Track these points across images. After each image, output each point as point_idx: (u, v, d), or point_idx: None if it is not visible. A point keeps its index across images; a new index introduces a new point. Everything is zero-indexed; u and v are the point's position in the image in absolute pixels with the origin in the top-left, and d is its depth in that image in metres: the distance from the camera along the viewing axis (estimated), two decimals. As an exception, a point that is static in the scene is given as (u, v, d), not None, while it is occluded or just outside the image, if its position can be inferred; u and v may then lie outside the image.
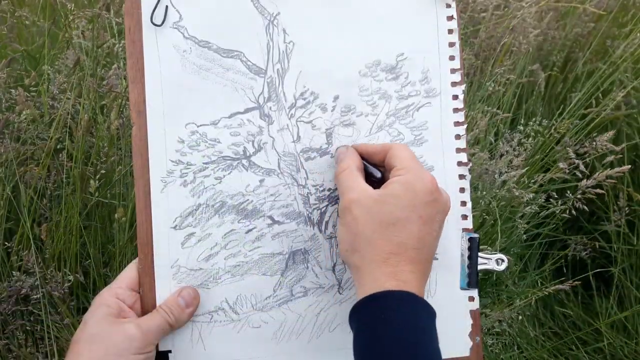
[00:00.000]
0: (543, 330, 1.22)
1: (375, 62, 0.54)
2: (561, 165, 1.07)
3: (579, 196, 1.09)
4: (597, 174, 1.06)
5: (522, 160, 1.03)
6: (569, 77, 1.41)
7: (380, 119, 0.54)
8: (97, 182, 0.86)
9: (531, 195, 1.05)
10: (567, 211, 1.12)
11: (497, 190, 1.01)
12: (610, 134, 1.10)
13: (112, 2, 0.92)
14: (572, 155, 1.09)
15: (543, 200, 1.12)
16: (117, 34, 1.01)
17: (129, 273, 0.51)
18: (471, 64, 1.19)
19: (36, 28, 1.15)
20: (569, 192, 1.12)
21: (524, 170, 1.02)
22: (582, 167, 1.08)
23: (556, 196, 1.13)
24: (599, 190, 1.07)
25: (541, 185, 1.11)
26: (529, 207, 1.07)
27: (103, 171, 0.88)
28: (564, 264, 1.27)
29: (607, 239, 1.28)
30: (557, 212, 1.13)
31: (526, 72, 1.27)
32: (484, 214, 1.02)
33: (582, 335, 1.20)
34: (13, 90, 0.93)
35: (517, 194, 1.01)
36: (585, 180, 1.07)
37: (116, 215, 0.84)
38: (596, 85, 1.21)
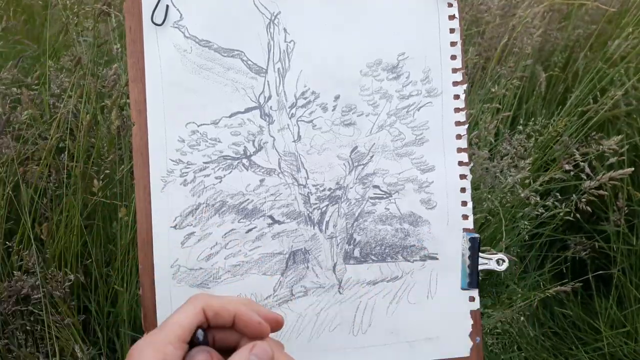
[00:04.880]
0: (543, 330, 1.22)
1: (376, 62, 0.54)
2: (567, 167, 1.07)
3: (582, 198, 1.08)
4: (600, 175, 1.05)
5: (527, 163, 1.02)
6: (570, 77, 1.40)
7: (381, 119, 0.54)
8: (100, 182, 0.86)
9: (537, 198, 1.04)
10: (570, 214, 1.11)
11: (502, 192, 1.00)
12: (618, 138, 1.10)
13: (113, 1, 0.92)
14: (578, 156, 1.08)
15: (550, 202, 1.11)
16: (117, 35, 1.01)
17: (181, 318, 0.36)
18: (474, 64, 1.19)
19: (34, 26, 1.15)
20: (572, 194, 1.12)
21: (527, 173, 1.02)
22: (587, 169, 1.07)
23: (559, 197, 1.12)
24: (601, 192, 1.06)
25: (541, 185, 1.11)
26: (534, 209, 1.07)
27: (107, 171, 0.88)
28: (564, 264, 1.27)
29: (606, 238, 1.28)
30: (560, 214, 1.12)
31: (527, 71, 1.27)
32: (488, 216, 1.02)
33: (581, 335, 1.20)
34: (15, 89, 0.93)
35: (522, 195, 1.01)
36: (588, 181, 1.07)
37: (119, 215, 0.84)
38: (593, 82, 1.21)
